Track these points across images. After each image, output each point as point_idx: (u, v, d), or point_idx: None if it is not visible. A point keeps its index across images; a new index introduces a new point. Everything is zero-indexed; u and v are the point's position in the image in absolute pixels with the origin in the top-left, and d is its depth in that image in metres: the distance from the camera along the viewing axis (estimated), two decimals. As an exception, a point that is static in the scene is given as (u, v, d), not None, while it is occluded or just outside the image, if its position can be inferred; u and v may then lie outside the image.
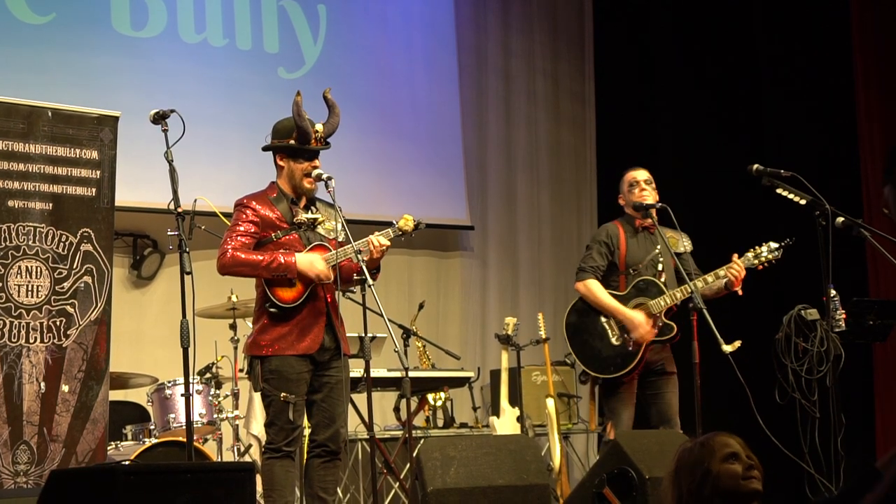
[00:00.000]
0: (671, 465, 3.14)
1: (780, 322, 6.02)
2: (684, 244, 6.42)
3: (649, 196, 6.35)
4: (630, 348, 6.22)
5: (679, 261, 6.23)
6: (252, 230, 5.40)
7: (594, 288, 6.32)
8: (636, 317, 6.21)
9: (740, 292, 6.22)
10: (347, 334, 5.58)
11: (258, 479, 5.41)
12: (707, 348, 5.83)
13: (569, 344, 6.43)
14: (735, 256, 6.15)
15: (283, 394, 5.32)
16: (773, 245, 6.14)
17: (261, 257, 5.33)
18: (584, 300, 6.38)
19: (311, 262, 5.36)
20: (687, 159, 9.58)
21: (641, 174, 6.42)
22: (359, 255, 5.31)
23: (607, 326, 6.31)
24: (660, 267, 6.32)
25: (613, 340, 6.28)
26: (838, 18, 8.89)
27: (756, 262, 6.15)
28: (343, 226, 5.46)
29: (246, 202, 5.46)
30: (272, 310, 5.37)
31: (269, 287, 5.37)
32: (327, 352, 5.43)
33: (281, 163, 5.53)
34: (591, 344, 6.33)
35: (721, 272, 6.12)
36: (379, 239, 5.39)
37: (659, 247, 6.33)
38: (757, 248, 6.16)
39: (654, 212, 6.29)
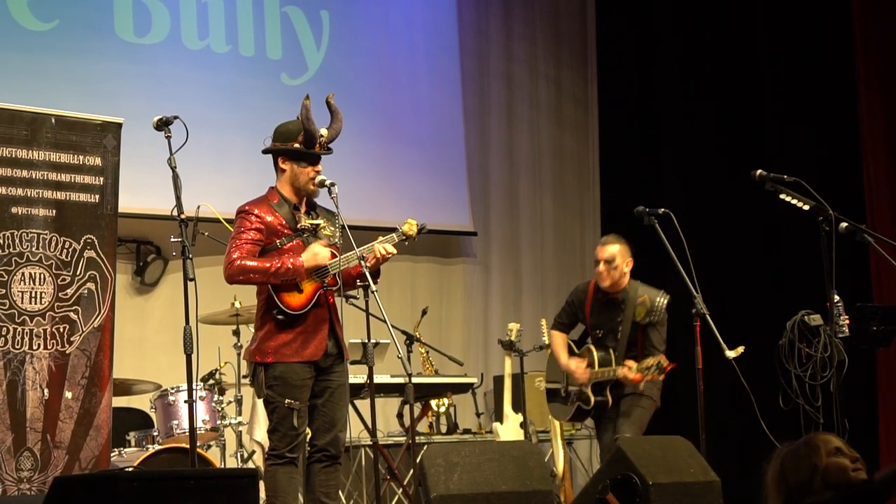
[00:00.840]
0: (774, 468, 3.26)
1: (784, 327, 6.01)
2: (652, 315, 6.41)
3: (607, 280, 6.48)
4: (568, 403, 6.62)
5: (644, 332, 6.40)
6: (257, 237, 5.38)
7: (553, 339, 6.76)
8: (569, 364, 6.55)
9: (641, 388, 6.36)
10: (350, 341, 5.59)
11: (261, 485, 5.41)
12: (710, 354, 5.82)
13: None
14: (629, 366, 6.24)
15: (287, 400, 5.31)
16: (661, 365, 6.15)
17: (268, 264, 5.31)
18: None
19: (315, 254, 5.36)
20: (689, 164, 9.58)
21: (603, 252, 6.52)
22: (362, 261, 5.30)
23: (563, 377, 6.70)
24: (618, 336, 6.47)
25: (562, 391, 6.70)
26: (840, 22, 8.88)
27: (645, 373, 6.20)
28: (345, 232, 5.45)
29: (249, 209, 5.44)
30: (280, 317, 5.35)
31: (277, 293, 5.35)
32: (330, 357, 5.43)
33: (283, 166, 5.50)
34: (556, 389, 6.80)
35: (619, 376, 6.27)
36: (385, 247, 5.38)
37: (623, 314, 6.46)
38: (647, 360, 6.20)
39: (624, 282, 6.49)
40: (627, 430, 6.26)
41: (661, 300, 6.44)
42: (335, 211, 5.45)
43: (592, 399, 6.41)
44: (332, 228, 5.52)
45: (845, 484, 3.16)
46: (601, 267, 6.47)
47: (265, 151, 5.56)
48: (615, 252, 6.46)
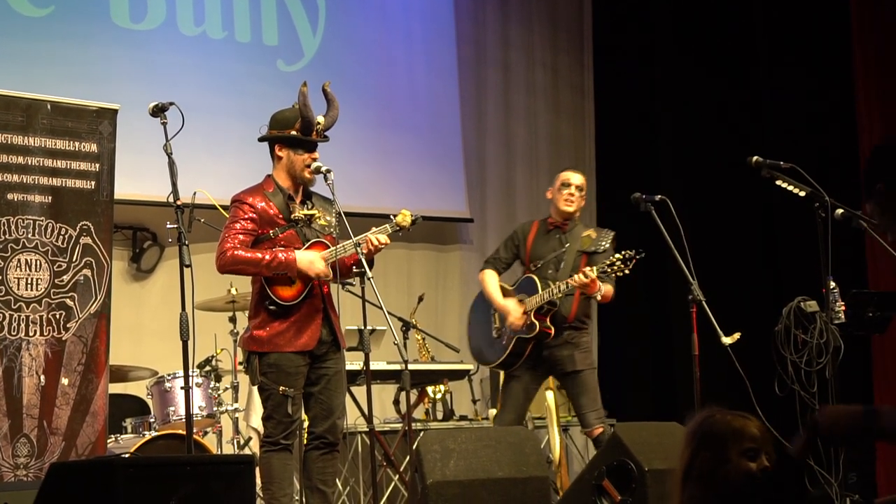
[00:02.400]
0: (692, 426, 3.10)
1: (780, 314, 6.02)
2: (599, 244, 6.44)
3: (574, 203, 6.51)
4: (503, 342, 6.43)
5: (588, 260, 6.37)
6: (250, 227, 5.37)
7: (486, 278, 6.59)
8: (506, 305, 6.41)
9: (598, 298, 6.33)
10: (347, 327, 5.59)
11: (258, 471, 5.42)
12: (707, 340, 5.83)
13: (467, 332, 6.79)
14: (587, 268, 6.21)
15: (281, 387, 5.32)
16: (628, 254, 6.14)
17: (261, 255, 5.31)
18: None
19: (311, 262, 5.34)
20: (686, 151, 9.58)
21: (575, 178, 6.57)
22: (358, 248, 5.30)
23: (493, 318, 6.56)
24: (561, 265, 6.42)
25: (493, 332, 6.53)
26: (838, 9, 8.88)
27: (610, 270, 6.18)
28: (341, 220, 5.45)
29: (243, 198, 5.43)
30: (271, 307, 5.36)
31: (269, 285, 5.35)
32: (324, 345, 5.43)
33: (280, 153, 5.50)
34: (479, 332, 6.63)
35: (573, 280, 6.20)
36: (378, 237, 5.39)
37: (567, 245, 6.44)
38: (612, 257, 6.19)
39: (577, 217, 6.54)
40: (589, 419, 6.27)
41: (608, 232, 6.50)
42: (332, 198, 5.45)
43: (538, 326, 6.30)
44: (329, 218, 5.51)
45: (741, 489, 2.98)
46: (572, 191, 6.50)
47: (262, 139, 5.56)
48: (584, 179, 6.59)
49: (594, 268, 6.17)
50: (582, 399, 6.38)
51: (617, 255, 6.19)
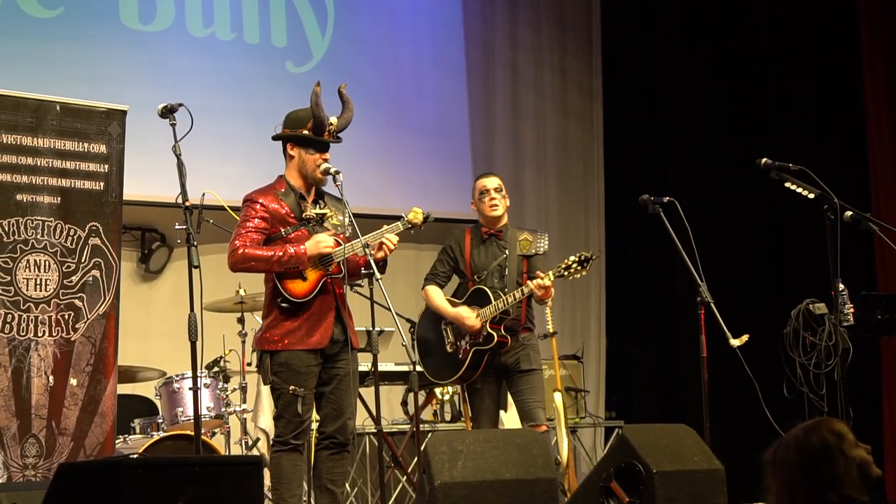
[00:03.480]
0: (793, 456, 3.03)
1: (788, 316, 6.01)
2: (538, 246, 6.41)
3: (499, 206, 6.43)
4: (460, 356, 6.30)
5: (530, 264, 6.33)
6: (262, 226, 5.40)
7: (431, 294, 6.42)
8: (460, 311, 6.28)
9: (549, 304, 6.37)
10: (355, 328, 5.59)
11: (266, 472, 5.42)
12: (715, 342, 5.82)
13: (420, 358, 6.47)
14: (542, 274, 6.15)
15: (291, 386, 5.33)
16: (584, 256, 6.12)
17: (271, 252, 5.34)
18: (427, 308, 6.51)
19: (317, 242, 5.36)
20: (694, 153, 9.57)
21: (491, 182, 6.48)
22: (367, 249, 5.32)
23: (445, 333, 6.40)
24: (506, 273, 6.36)
25: (448, 348, 6.37)
26: (846, 11, 8.87)
27: (567, 273, 6.16)
28: (351, 220, 5.47)
29: (255, 197, 5.46)
30: (283, 304, 5.37)
31: (281, 281, 5.37)
32: (336, 345, 5.44)
33: (292, 152, 5.52)
34: (431, 351, 6.44)
35: (525, 289, 6.16)
36: (389, 237, 5.40)
37: (507, 252, 6.37)
38: (568, 260, 6.18)
39: (506, 217, 6.46)
40: (538, 419, 6.24)
41: (543, 234, 6.47)
42: (343, 199, 5.47)
43: (495, 336, 6.21)
44: (341, 217, 5.53)
45: (867, 478, 2.98)
46: (492, 195, 6.41)
47: (275, 138, 5.57)
48: (500, 180, 6.51)
49: (550, 273, 6.11)
50: (536, 394, 6.30)
51: (572, 258, 6.15)
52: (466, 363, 6.28)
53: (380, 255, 5.39)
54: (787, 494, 3.02)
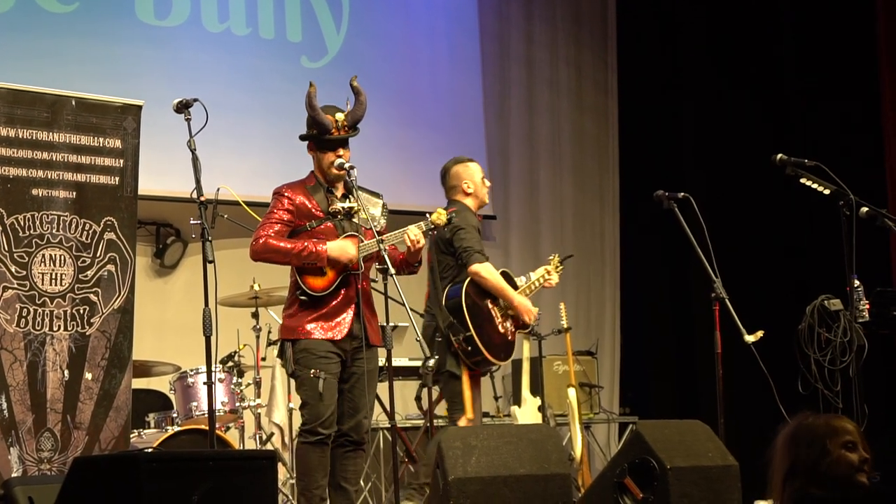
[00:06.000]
0: (788, 431, 3.24)
1: (804, 312, 5.99)
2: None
3: (487, 196, 6.58)
4: (510, 338, 6.27)
5: None
6: (287, 218, 5.49)
7: (491, 272, 6.18)
8: (527, 303, 6.29)
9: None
10: (371, 324, 5.60)
11: (280, 467, 5.43)
12: (730, 338, 5.81)
13: (472, 328, 6.07)
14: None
15: (312, 370, 5.36)
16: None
17: (291, 245, 5.40)
18: (475, 283, 6.16)
19: (343, 248, 5.43)
20: (710, 148, 9.55)
21: (482, 171, 6.57)
22: (381, 245, 5.34)
23: (494, 313, 6.22)
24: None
25: (500, 328, 6.24)
26: (864, 7, 8.84)
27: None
28: (384, 213, 5.55)
29: (283, 191, 5.56)
30: (302, 297, 5.44)
31: (300, 275, 5.45)
32: (355, 340, 5.46)
33: (310, 152, 5.64)
34: (483, 324, 6.15)
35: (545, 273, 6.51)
36: (414, 232, 5.43)
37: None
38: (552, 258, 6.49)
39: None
40: None
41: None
42: (379, 192, 5.55)
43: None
44: (373, 211, 5.56)
45: (845, 480, 3.13)
46: (487, 184, 6.54)
47: (302, 138, 5.65)
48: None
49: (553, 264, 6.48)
50: None
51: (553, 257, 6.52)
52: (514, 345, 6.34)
53: (412, 252, 5.49)
54: (776, 465, 3.25)
